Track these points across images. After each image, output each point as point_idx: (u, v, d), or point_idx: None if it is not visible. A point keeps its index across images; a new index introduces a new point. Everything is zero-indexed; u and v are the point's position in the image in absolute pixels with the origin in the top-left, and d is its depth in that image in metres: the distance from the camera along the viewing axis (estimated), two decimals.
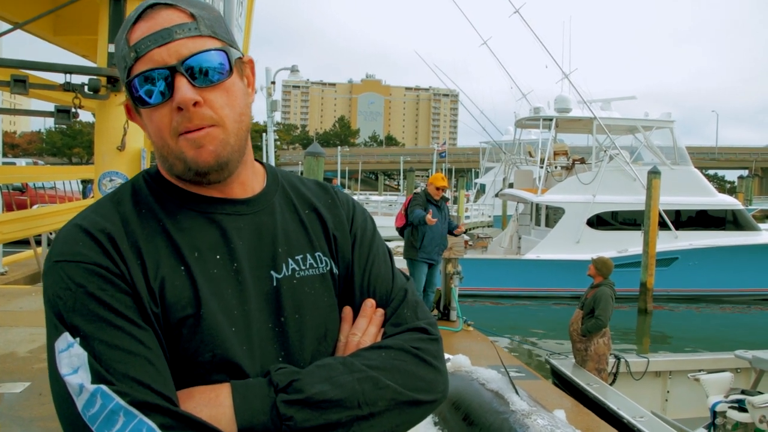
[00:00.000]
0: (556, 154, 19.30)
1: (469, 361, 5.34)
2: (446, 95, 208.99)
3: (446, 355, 6.06)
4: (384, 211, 33.28)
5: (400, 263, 9.47)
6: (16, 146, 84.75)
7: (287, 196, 1.21)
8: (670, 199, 16.70)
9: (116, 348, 0.93)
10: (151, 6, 1.03)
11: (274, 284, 1.10)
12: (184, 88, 1.00)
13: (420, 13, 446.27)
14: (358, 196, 44.48)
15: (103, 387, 0.90)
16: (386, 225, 11.09)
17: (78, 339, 0.93)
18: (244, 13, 4.47)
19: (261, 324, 1.06)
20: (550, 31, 23.60)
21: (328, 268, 1.17)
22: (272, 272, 1.11)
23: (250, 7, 4.75)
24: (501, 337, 11.45)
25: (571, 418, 4.90)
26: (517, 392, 4.28)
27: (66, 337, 0.94)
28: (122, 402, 0.90)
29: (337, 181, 30.03)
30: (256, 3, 5.28)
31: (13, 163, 21.01)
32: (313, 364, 1.05)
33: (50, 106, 3.53)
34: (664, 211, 16.53)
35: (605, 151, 18.29)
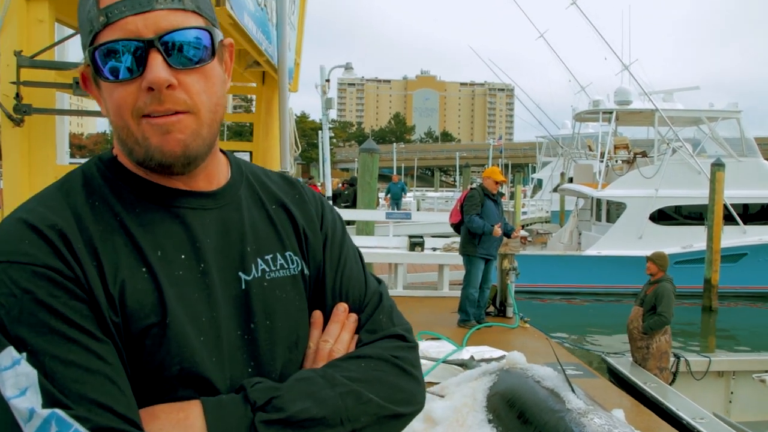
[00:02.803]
0: (616, 147, 18.92)
1: (525, 358, 5.27)
2: (502, 90, 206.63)
3: (501, 352, 6.01)
4: (440, 207, 33.26)
5: (456, 259, 9.44)
6: (83, 147, 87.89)
7: (253, 189, 1.09)
8: (738, 192, 16.10)
9: (71, 364, 0.80)
10: None
11: (243, 287, 0.99)
12: (158, 67, 0.88)
13: (473, 8, 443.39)
14: (415, 192, 44.48)
15: (59, 411, 0.78)
16: (442, 221, 11.10)
17: (25, 354, 0.80)
18: (297, 11, 4.51)
19: (230, 332, 0.96)
20: (608, 21, 23.08)
21: (299, 268, 1.07)
22: (241, 274, 1.00)
23: (303, 5, 4.79)
24: (559, 335, 11.27)
25: (630, 418, 4.78)
26: (573, 390, 4.20)
27: (10, 353, 0.80)
28: (82, 429, 0.78)
29: (398, 177, 30.02)
30: (308, 2, 5.32)
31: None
32: (292, 378, 0.96)
33: None
34: (731, 204, 15.94)
35: (668, 144, 17.80)
